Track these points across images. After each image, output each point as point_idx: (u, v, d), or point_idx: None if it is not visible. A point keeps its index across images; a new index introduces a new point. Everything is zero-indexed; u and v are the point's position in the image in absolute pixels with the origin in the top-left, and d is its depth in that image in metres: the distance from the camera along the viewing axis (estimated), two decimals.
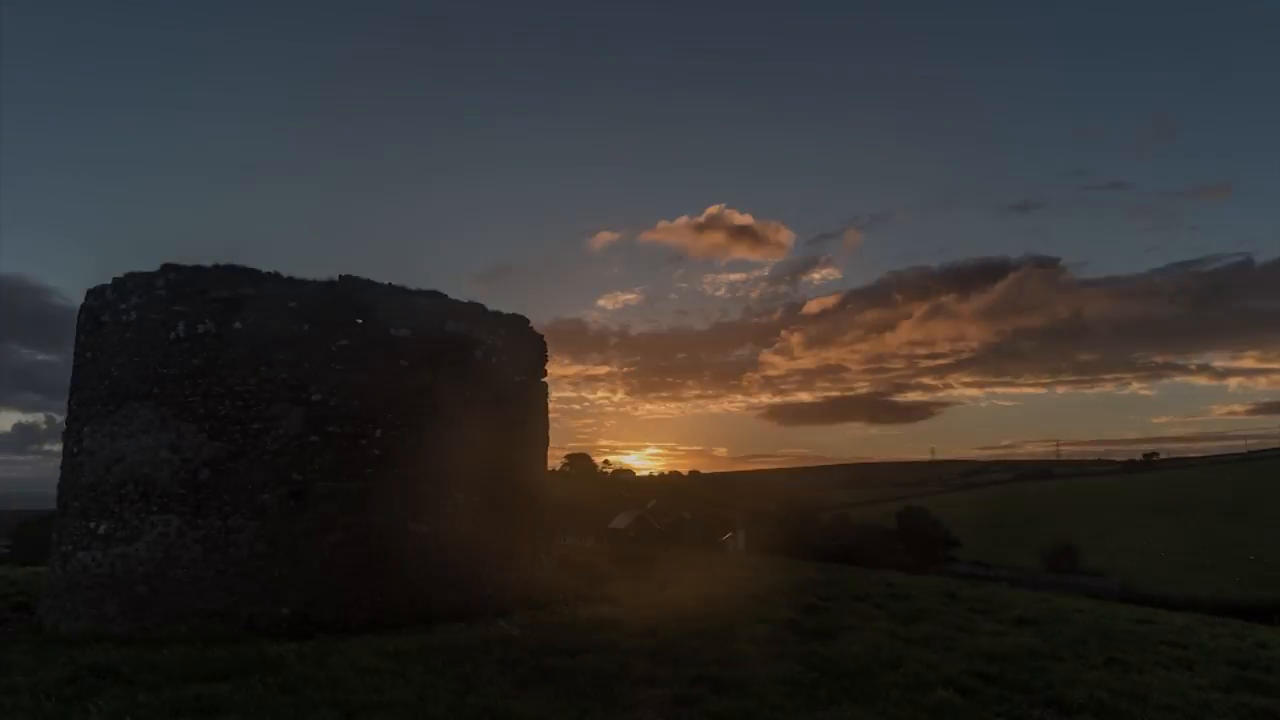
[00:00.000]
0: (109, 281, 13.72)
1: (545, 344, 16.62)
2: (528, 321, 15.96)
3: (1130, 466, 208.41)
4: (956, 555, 79.83)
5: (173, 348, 12.78)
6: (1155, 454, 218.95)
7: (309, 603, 12.09)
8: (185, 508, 12.28)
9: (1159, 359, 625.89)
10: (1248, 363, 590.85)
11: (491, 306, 15.16)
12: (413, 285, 14.04)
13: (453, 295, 14.51)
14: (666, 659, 9.18)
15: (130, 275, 13.44)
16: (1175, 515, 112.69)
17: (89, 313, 13.97)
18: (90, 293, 14.08)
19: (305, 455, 12.50)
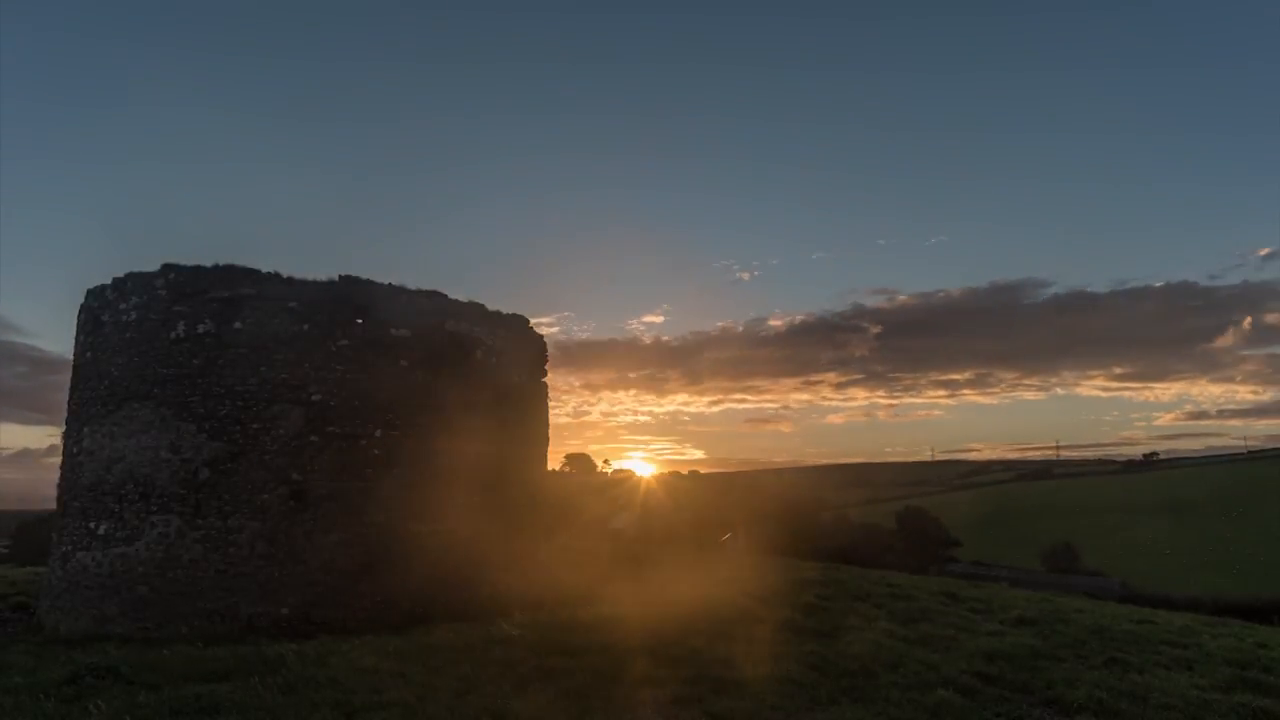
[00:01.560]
0: (109, 281, 13.74)
1: (545, 344, 16.62)
2: (528, 321, 15.96)
3: (1130, 466, 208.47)
4: (956, 555, 79.86)
5: (173, 348, 12.79)
6: (1155, 454, 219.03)
7: (309, 603, 12.09)
8: (185, 508, 12.28)
9: (1011, 376, 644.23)
10: (1101, 381, 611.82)
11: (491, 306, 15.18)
12: (412, 285, 14.08)
13: (452, 295, 14.53)
14: (666, 659, 9.17)
15: (130, 275, 13.44)
16: (1175, 515, 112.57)
17: (89, 313, 13.97)
18: (90, 293, 14.08)
19: (305, 455, 12.51)
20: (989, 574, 51.64)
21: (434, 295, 14.15)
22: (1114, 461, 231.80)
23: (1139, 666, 9.87)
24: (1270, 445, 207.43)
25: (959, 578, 26.58)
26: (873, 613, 13.21)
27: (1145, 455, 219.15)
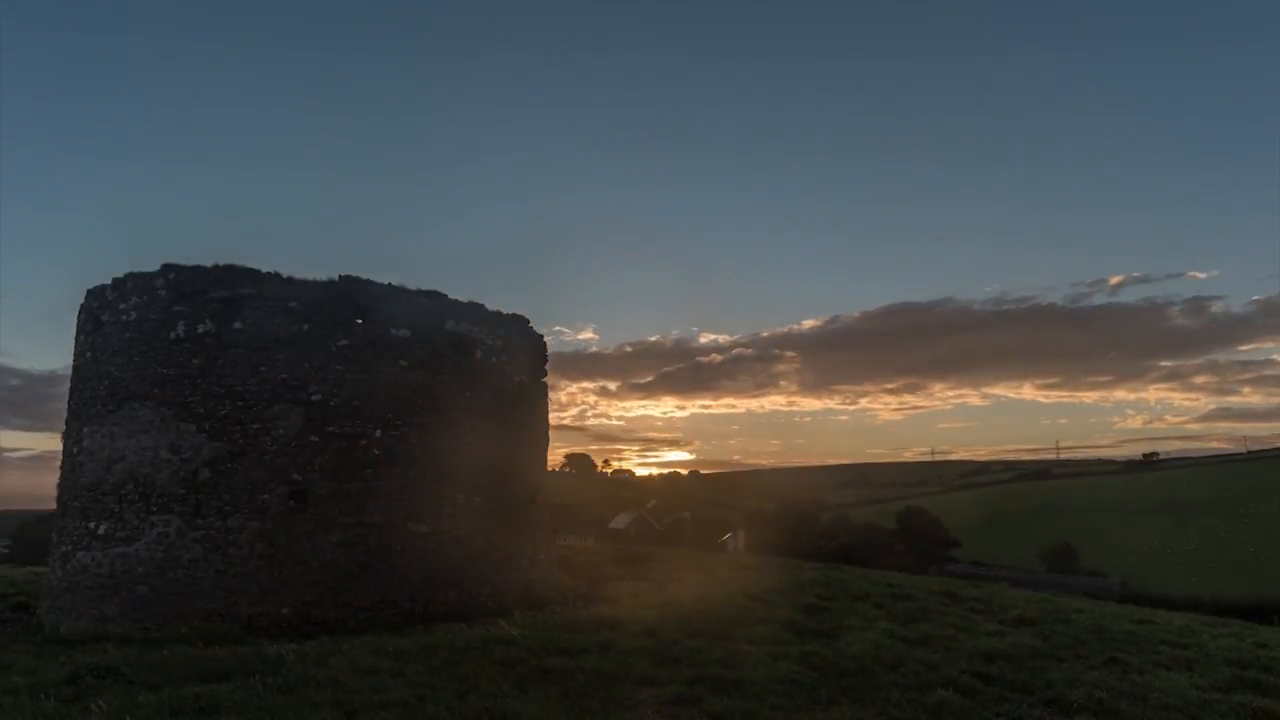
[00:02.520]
0: (109, 281, 13.74)
1: (545, 344, 16.61)
2: (528, 321, 15.95)
3: (1130, 466, 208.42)
4: (956, 555, 79.89)
5: (173, 348, 12.78)
6: (1155, 454, 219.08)
7: (309, 603, 12.09)
8: (185, 508, 12.28)
9: (943, 385, 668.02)
10: (1032, 389, 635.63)
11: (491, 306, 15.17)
12: (412, 285, 14.07)
13: (452, 295, 14.52)
14: (666, 659, 9.18)
15: (130, 275, 13.44)
16: (1175, 515, 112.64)
17: (89, 313, 13.97)
18: (90, 293, 14.08)
19: (305, 455, 12.51)
20: (989, 574, 51.63)
21: (434, 295, 14.14)
22: (1114, 461, 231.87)
23: (1139, 666, 9.87)
24: (1272, 445, 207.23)
25: (959, 578, 26.56)
26: (873, 613, 13.20)
27: (1145, 455, 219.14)
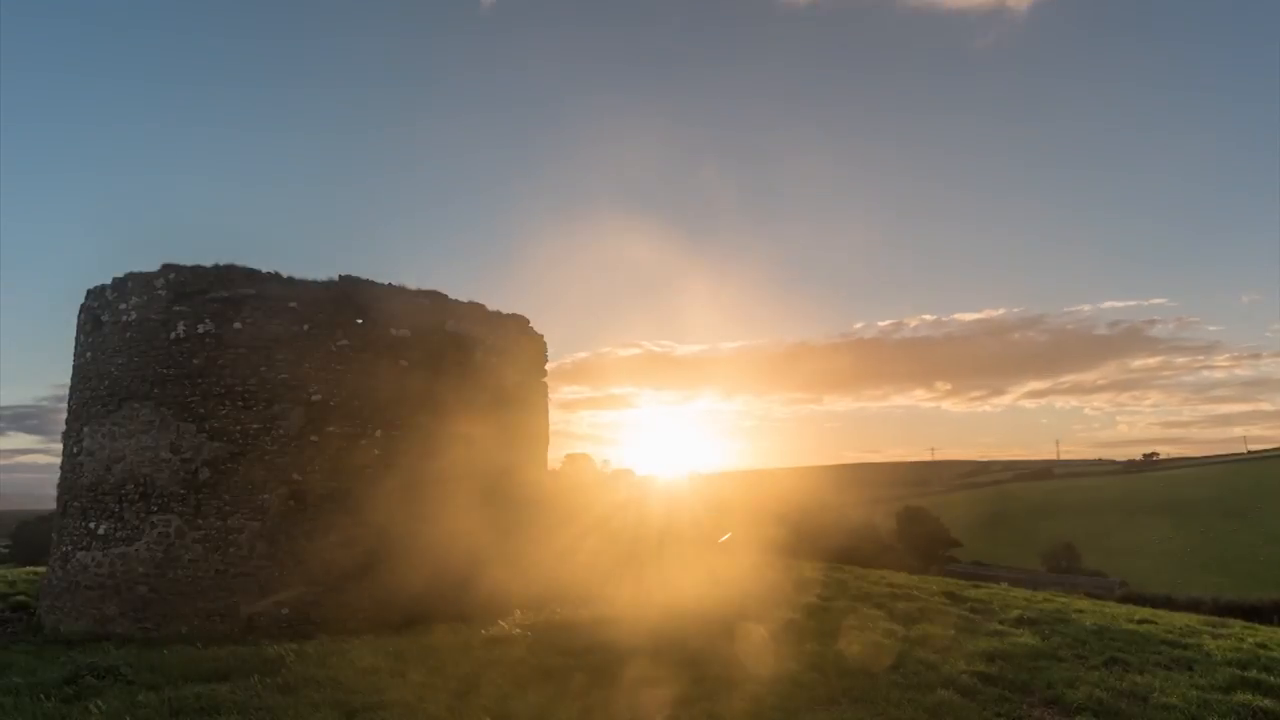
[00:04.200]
0: (109, 281, 13.74)
1: (545, 344, 16.62)
2: (528, 321, 15.96)
3: (1130, 466, 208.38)
4: (956, 555, 79.76)
5: (173, 348, 12.79)
6: (1155, 454, 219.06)
7: (309, 603, 12.09)
8: (185, 508, 12.28)
9: (849, 395, 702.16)
10: (925, 395, 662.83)
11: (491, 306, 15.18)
12: (412, 285, 14.08)
13: (453, 295, 14.53)
14: (667, 659, 9.17)
15: (130, 275, 13.45)
16: (1175, 515, 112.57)
17: (89, 313, 13.97)
18: (90, 293, 14.09)
19: (305, 455, 12.51)
20: (989, 574, 51.53)
21: (434, 295, 14.14)
22: (1114, 462, 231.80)
23: (1139, 666, 9.86)
24: (1270, 445, 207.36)
25: (959, 578, 26.52)
26: (873, 613, 13.20)
27: (1145, 455, 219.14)
